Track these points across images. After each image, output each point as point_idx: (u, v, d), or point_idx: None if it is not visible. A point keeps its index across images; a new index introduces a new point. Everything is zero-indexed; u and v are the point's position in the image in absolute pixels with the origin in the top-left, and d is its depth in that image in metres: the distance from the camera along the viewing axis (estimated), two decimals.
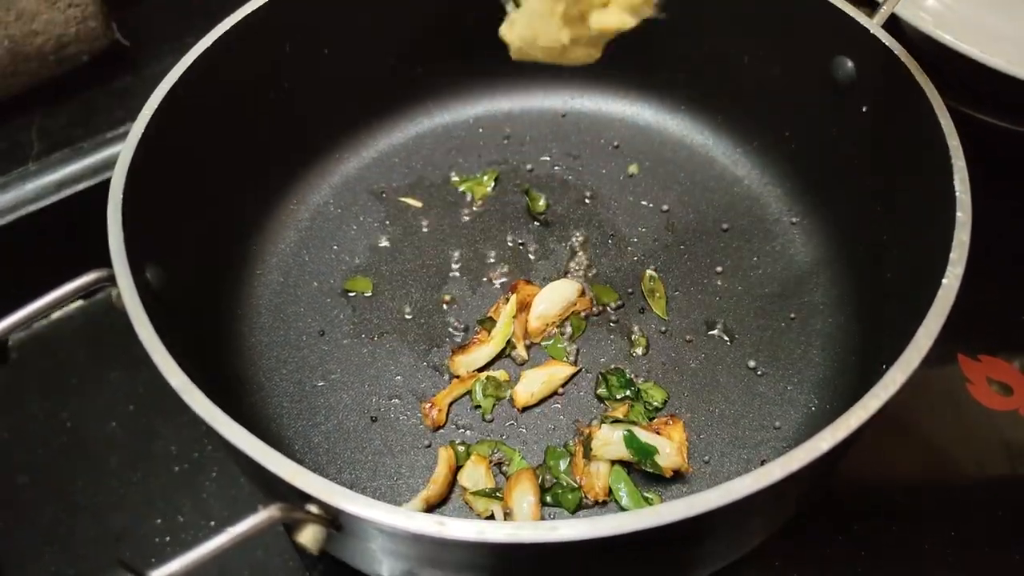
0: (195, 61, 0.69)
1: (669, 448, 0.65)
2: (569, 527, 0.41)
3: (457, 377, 0.73)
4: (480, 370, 0.73)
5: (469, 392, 0.72)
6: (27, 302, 0.55)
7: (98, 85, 0.97)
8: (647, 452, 0.65)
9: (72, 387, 0.83)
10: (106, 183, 0.86)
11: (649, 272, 0.79)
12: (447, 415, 0.71)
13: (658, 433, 0.66)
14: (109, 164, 0.89)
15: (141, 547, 0.72)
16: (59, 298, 0.53)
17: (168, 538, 0.72)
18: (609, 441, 0.66)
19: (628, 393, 0.71)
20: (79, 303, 0.89)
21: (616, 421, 0.68)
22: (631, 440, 0.65)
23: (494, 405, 0.72)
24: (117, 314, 0.86)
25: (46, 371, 0.84)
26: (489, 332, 0.75)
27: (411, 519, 0.42)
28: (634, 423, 0.67)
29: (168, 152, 0.67)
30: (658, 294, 0.78)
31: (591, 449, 0.66)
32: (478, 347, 0.74)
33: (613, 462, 0.66)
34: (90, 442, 0.79)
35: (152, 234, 0.62)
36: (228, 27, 0.72)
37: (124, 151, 0.62)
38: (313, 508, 0.45)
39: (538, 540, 0.41)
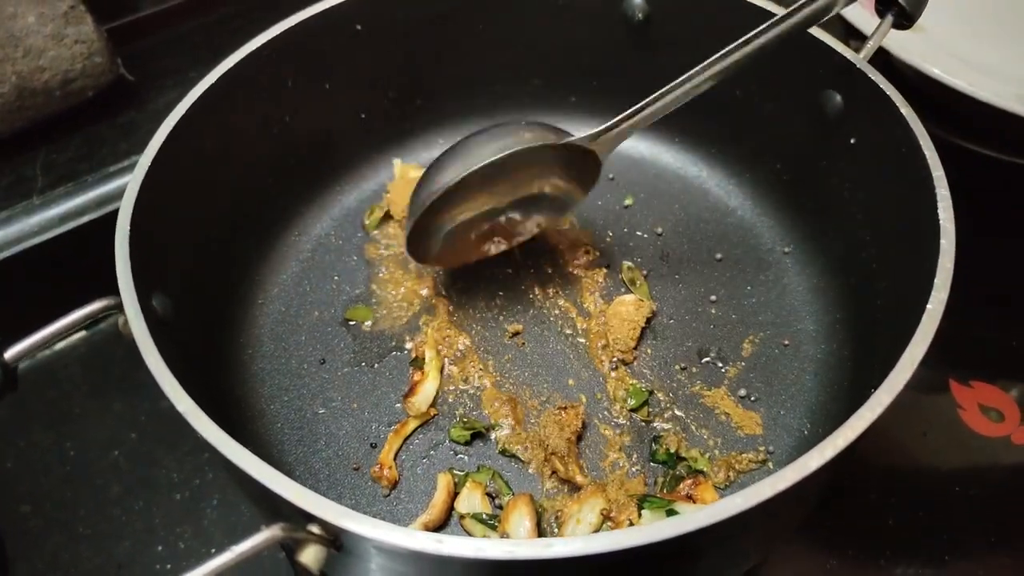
0: (200, 96, 0.71)
1: None
2: (564, 544, 0.42)
3: (414, 417, 0.74)
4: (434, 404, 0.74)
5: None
6: (30, 332, 0.56)
7: (102, 119, 0.99)
8: None
9: (75, 416, 0.84)
10: (110, 216, 0.88)
11: None
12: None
13: (692, 499, 0.66)
14: (113, 197, 0.90)
15: (143, 575, 0.73)
16: (69, 325, 0.54)
17: (169, 566, 0.73)
18: (651, 520, 0.64)
19: (681, 471, 0.69)
20: (82, 333, 0.90)
21: (647, 498, 0.66)
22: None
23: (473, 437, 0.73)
24: (119, 344, 0.87)
25: (49, 401, 0.85)
26: (422, 370, 0.76)
27: (410, 537, 0.43)
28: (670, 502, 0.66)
29: (173, 184, 0.68)
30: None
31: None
32: (421, 385, 0.75)
33: None
34: (92, 471, 0.79)
35: (158, 263, 0.63)
36: (232, 64, 0.74)
37: (131, 183, 0.63)
38: (315, 528, 0.46)
39: (534, 557, 0.42)
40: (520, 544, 0.43)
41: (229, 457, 0.47)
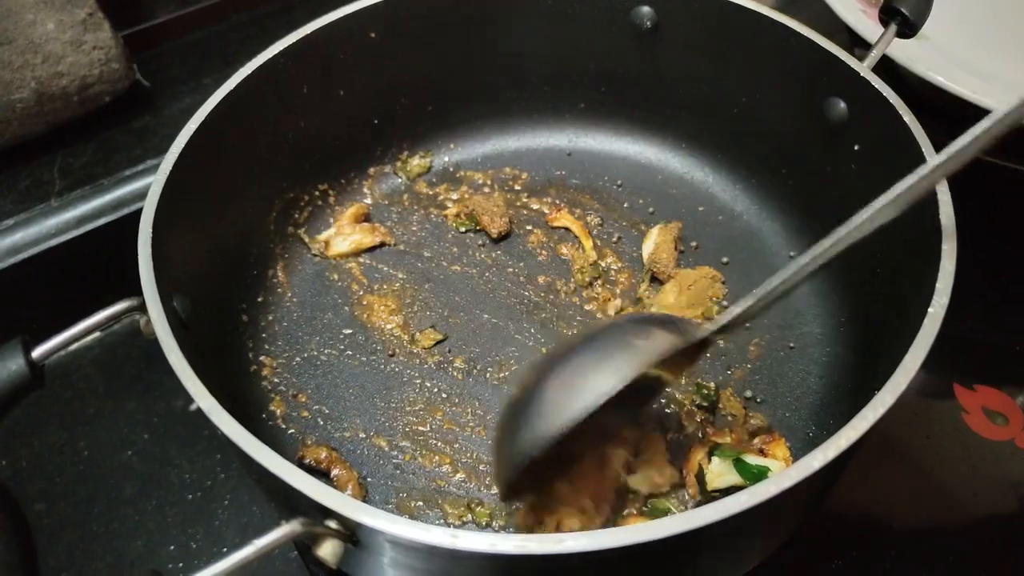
0: (220, 101, 0.72)
1: (777, 468, 0.66)
2: (574, 540, 0.43)
3: None
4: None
5: None
6: (48, 331, 0.57)
7: (118, 124, 1.00)
8: (760, 474, 0.66)
9: (88, 417, 0.84)
10: (125, 218, 0.90)
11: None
12: None
13: (764, 454, 0.68)
14: (128, 200, 0.92)
15: None
16: (94, 325, 0.56)
17: (181, 564, 0.74)
18: (722, 472, 0.67)
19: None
20: (97, 335, 0.90)
21: (716, 448, 0.69)
22: (743, 467, 0.67)
23: None
24: (133, 346, 0.89)
25: (63, 401, 0.86)
26: None
27: (425, 532, 0.44)
28: (740, 452, 0.68)
29: (193, 188, 0.69)
30: None
31: (706, 484, 0.67)
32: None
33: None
34: (106, 470, 0.80)
35: (178, 266, 0.64)
36: (251, 70, 0.75)
37: (153, 187, 0.64)
38: (332, 523, 0.47)
39: (546, 552, 0.43)
40: (532, 539, 0.44)
41: (251, 454, 0.48)
